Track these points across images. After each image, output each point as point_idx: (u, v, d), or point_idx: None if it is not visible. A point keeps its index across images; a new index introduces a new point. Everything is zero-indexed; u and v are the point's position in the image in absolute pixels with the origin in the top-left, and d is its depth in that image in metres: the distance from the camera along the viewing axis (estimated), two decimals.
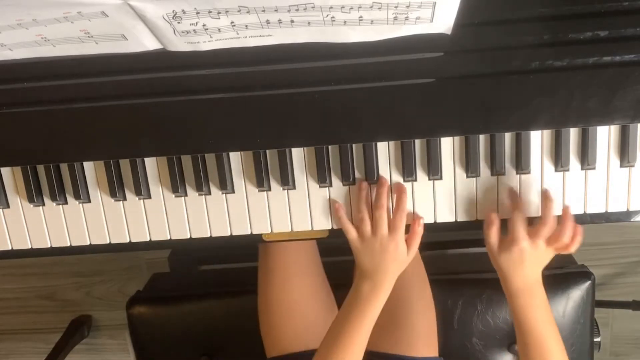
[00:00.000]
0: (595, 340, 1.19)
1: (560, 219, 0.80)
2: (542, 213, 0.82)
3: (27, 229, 0.90)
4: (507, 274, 0.81)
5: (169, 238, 0.89)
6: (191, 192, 0.87)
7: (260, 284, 1.02)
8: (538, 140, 0.82)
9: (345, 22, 0.66)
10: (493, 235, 0.82)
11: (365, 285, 0.83)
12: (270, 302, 1.00)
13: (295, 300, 0.99)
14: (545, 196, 0.82)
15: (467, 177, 0.84)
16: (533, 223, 0.81)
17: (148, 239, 0.89)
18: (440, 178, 0.84)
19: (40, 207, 0.89)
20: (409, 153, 0.83)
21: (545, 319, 0.81)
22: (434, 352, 1.02)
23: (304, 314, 0.99)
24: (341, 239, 0.86)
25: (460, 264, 1.27)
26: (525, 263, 0.79)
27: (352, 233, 0.84)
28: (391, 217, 0.83)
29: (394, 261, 0.83)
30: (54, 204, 0.88)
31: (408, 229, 0.84)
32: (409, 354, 0.99)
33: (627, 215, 0.84)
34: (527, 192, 0.84)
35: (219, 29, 0.66)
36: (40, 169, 0.87)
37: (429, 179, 0.84)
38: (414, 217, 0.85)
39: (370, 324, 0.83)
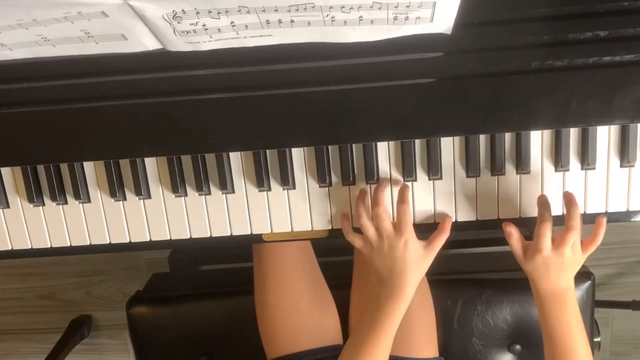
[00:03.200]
0: (595, 340, 1.19)
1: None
2: (566, 219, 0.78)
3: (27, 229, 0.90)
4: (535, 280, 0.80)
5: (169, 238, 0.89)
6: (191, 192, 0.87)
7: (256, 285, 1.02)
8: (538, 140, 0.82)
9: (345, 22, 0.66)
10: (516, 245, 0.80)
11: (382, 292, 0.81)
12: (267, 304, 1.00)
13: (291, 301, 0.98)
14: (568, 201, 0.79)
15: (467, 177, 0.84)
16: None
17: (148, 239, 0.89)
18: (440, 178, 0.84)
19: (40, 207, 0.89)
20: (409, 153, 0.83)
21: (574, 329, 0.79)
22: (434, 353, 1.02)
23: (300, 315, 0.98)
24: (341, 239, 0.86)
25: (460, 264, 1.26)
26: (551, 270, 0.78)
27: (358, 242, 0.83)
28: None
29: (409, 261, 0.80)
30: (54, 204, 0.88)
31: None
32: (409, 354, 0.98)
33: (627, 215, 0.84)
34: (528, 193, 0.84)
35: (219, 29, 0.66)
36: (40, 169, 0.87)
37: (429, 179, 0.84)
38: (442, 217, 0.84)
39: (393, 330, 0.82)
